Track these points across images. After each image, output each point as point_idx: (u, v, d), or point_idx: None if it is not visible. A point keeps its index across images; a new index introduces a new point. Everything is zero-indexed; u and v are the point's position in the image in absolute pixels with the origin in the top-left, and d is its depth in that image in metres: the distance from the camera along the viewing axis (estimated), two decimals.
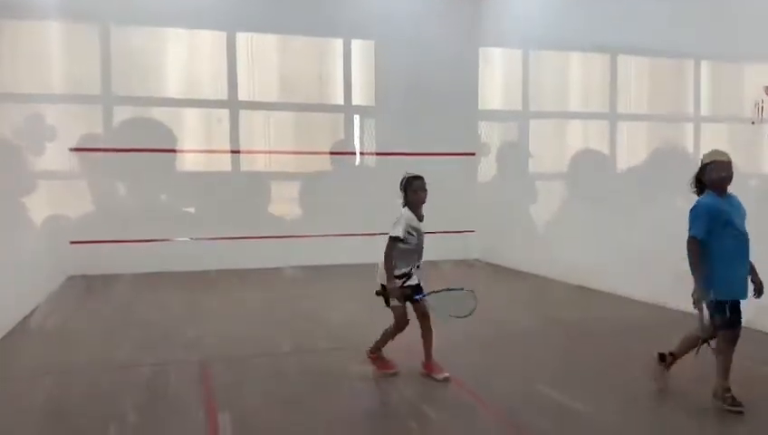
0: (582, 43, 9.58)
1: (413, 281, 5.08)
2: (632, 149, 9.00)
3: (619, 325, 7.08)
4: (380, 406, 4.77)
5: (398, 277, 5.00)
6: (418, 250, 5.10)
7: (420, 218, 5.13)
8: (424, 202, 5.16)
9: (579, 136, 10.14)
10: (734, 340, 4.39)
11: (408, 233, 5.00)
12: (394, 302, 5.00)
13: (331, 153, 11.59)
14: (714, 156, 4.49)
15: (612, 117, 9.30)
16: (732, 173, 4.45)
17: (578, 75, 10.09)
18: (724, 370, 4.42)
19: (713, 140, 7.67)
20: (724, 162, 4.45)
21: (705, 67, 7.91)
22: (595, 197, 9.30)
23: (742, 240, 4.41)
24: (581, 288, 9.00)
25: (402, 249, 4.99)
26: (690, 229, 4.43)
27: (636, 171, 8.67)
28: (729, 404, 4.37)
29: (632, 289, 8.19)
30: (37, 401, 4.81)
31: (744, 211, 4.48)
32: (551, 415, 4.48)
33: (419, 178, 5.15)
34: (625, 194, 8.67)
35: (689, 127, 8.15)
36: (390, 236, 4.97)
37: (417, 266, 5.12)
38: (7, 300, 6.71)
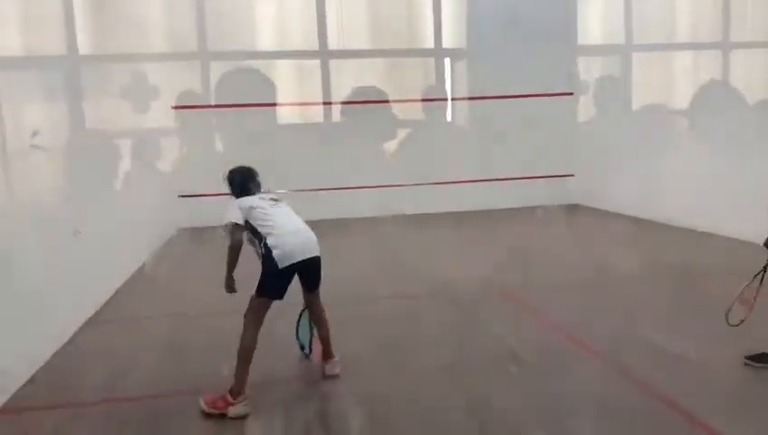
0: None
1: None
2: (748, 82, 8.31)
3: (727, 267, 6.69)
4: (478, 351, 4.75)
5: None
6: None
7: None
8: None
9: (688, 69, 9.47)
10: None
11: None
12: None
13: (423, 100, 11.43)
14: None
15: (725, 46, 8.60)
16: None
17: (685, 1, 9.36)
18: None
19: None
20: None
21: None
22: (704, 135, 8.71)
23: None
24: (689, 231, 8.54)
25: None
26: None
27: (752, 107, 8.02)
28: None
29: (741, 230, 7.65)
30: (159, 338, 5.24)
31: None
32: (654, 358, 4.36)
33: None
34: (737, 132, 8.05)
35: None
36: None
37: None
38: (124, 251, 7.20)
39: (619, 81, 10.71)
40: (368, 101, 11.20)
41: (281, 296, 3.98)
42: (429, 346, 4.86)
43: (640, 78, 10.30)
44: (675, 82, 9.49)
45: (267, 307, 3.99)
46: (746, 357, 4.19)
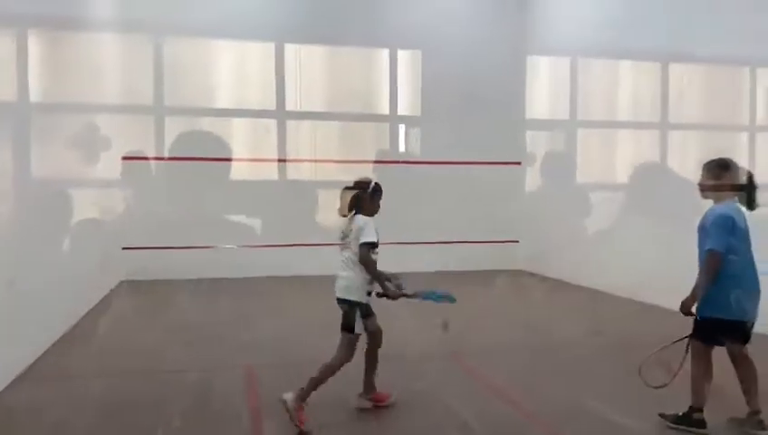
0: (632, 51, 9.42)
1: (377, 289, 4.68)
2: (684, 159, 8.77)
3: (663, 338, 6.89)
4: (423, 418, 4.73)
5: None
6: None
7: None
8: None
9: (629, 146, 9.95)
10: None
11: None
12: (359, 326, 4.57)
13: (377, 162, 11.65)
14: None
15: (664, 126, 9.10)
16: None
17: (628, 84, 9.91)
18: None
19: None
20: None
21: (760, 75, 7.68)
22: (645, 208, 9.09)
23: None
24: (630, 301, 8.80)
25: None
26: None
27: (688, 182, 8.44)
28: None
29: (678, 302, 7.91)
30: (89, 402, 4.96)
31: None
32: (592, 427, 4.42)
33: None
34: (676, 205, 8.44)
35: (744, 136, 7.92)
36: (366, 243, 4.51)
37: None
38: (63, 304, 6.95)
39: (565, 154, 11.15)
40: (323, 160, 11.35)
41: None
42: (373, 409, 4.80)
43: (584, 152, 10.76)
44: (616, 157, 9.94)
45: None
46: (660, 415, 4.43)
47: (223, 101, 11.08)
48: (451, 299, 4.70)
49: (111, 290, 9.53)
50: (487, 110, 11.59)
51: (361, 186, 4.71)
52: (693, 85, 8.74)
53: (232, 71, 11.13)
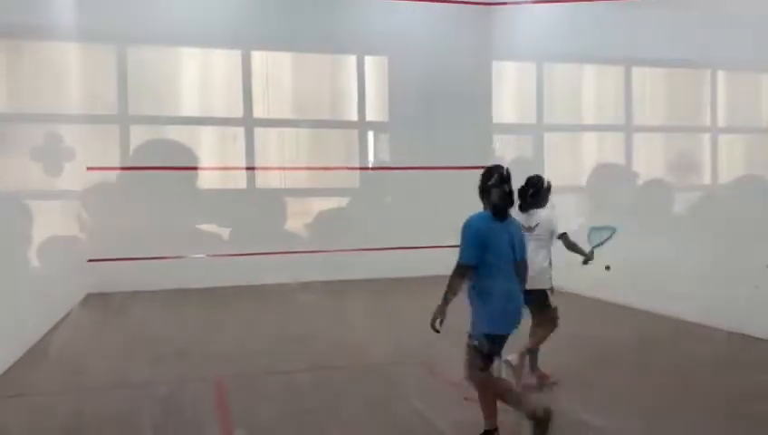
0: (596, 55, 9.57)
1: None
2: (648, 161, 8.94)
3: (634, 339, 7.00)
4: (393, 423, 4.72)
5: None
6: None
7: None
8: None
9: (593, 149, 10.10)
10: None
11: None
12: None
13: (346, 169, 11.63)
14: None
15: (628, 129, 9.26)
16: None
17: (592, 87, 10.07)
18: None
19: (729, 151, 7.61)
20: None
21: (721, 76, 7.86)
22: (610, 210, 9.22)
23: None
24: (595, 300, 8.90)
25: None
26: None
27: (652, 184, 8.61)
28: None
29: (643, 301, 8.05)
30: (56, 419, 4.84)
31: None
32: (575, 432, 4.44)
33: None
34: (640, 206, 8.59)
35: (706, 138, 8.09)
36: (563, 233, 5.30)
37: None
38: (27, 318, 6.78)
39: (532, 157, 11.26)
40: (291, 167, 11.30)
41: None
42: (348, 421, 4.78)
43: (550, 155, 10.88)
44: (582, 160, 10.08)
45: None
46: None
47: (189, 110, 10.94)
48: (612, 230, 5.42)
49: (77, 303, 9.34)
50: (455, 115, 11.64)
51: (536, 183, 5.33)
52: (655, 88, 8.92)
53: (197, 78, 11.01)
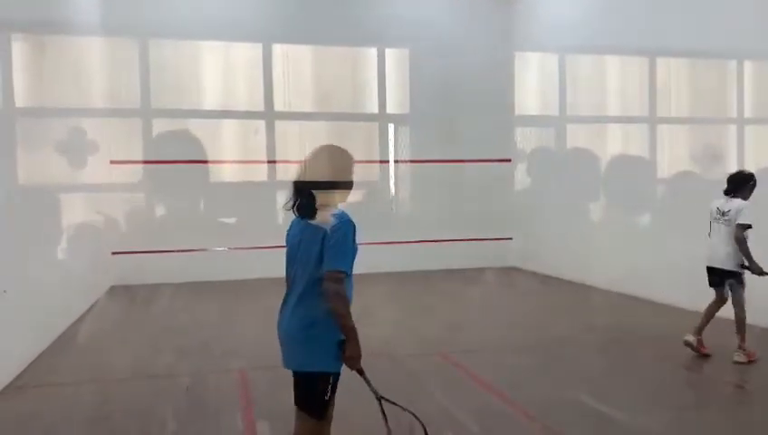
0: (619, 46, 9.43)
1: None
2: (673, 153, 8.80)
3: (656, 332, 6.92)
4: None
5: None
6: None
7: None
8: None
9: (618, 141, 9.97)
10: None
11: None
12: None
13: (367, 162, 11.61)
14: None
15: (652, 120, 9.12)
16: None
17: (615, 79, 9.93)
18: None
19: (757, 143, 7.47)
20: None
21: (747, 68, 7.71)
22: (635, 202, 9.11)
23: None
24: (621, 295, 8.81)
25: None
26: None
27: (677, 176, 8.47)
28: None
29: (672, 296, 7.97)
30: (81, 408, 4.92)
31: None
32: (585, 422, 4.40)
33: None
34: (666, 199, 8.48)
35: (732, 129, 7.95)
36: (742, 224, 5.45)
37: None
38: (53, 309, 6.89)
39: (554, 149, 11.16)
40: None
41: None
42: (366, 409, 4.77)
43: (573, 147, 10.77)
44: (605, 152, 9.95)
45: None
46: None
47: (210, 103, 11.00)
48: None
49: (102, 295, 9.46)
50: (476, 107, 11.56)
51: (747, 177, 5.69)
52: (680, 79, 8.77)
53: (219, 72, 11.06)
